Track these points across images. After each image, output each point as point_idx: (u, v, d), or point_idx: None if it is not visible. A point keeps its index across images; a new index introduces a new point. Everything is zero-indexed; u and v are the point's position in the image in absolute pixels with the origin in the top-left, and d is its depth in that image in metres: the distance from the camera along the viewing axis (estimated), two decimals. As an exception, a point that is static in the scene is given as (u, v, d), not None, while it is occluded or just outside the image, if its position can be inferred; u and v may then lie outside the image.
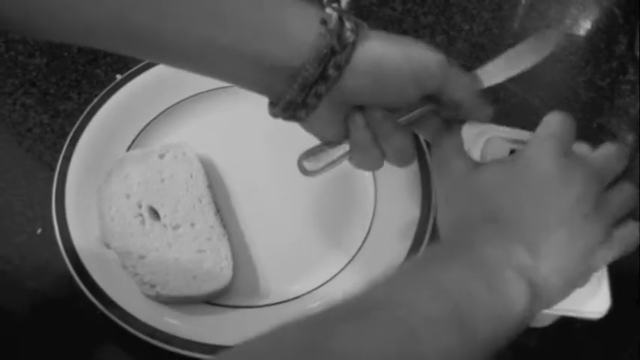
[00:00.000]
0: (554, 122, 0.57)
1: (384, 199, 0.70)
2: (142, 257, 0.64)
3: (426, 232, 0.66)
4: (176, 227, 0.66)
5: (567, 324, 0.64)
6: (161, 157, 0.70)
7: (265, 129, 0.74)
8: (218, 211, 0.68)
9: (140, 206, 0.67)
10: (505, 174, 0.56)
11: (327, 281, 0.66)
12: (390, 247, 0.66)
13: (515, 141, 0.63)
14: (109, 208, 0.67)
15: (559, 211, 0.53)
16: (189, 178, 0.69)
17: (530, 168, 0.55)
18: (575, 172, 0.55)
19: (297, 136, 0.74)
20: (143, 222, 0.66)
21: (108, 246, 0.65)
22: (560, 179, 0.54)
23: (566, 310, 0.58)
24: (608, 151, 0.58)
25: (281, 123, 0.74)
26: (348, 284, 0.65)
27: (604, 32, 0.85)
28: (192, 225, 0.66)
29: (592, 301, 0.59)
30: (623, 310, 0.59)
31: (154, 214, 0.67)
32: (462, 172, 0.58)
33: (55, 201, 0.67)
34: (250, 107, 0.74)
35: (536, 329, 0.63)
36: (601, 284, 0.59)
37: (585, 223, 0.54)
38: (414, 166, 0.70)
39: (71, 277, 0.64)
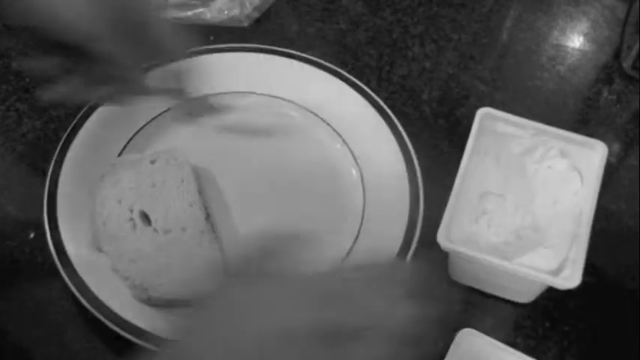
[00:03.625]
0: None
1: (372, 204, 0.71)
2: (133, 261, 0.65)
3: (413, 237, 0.67)
4: (167, 232, 0.67)
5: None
6: (152, 162, 0.70)
7: (256, 135, 0.75)
8: (208, 216, 0.68)
9: (132, 211, 0.67)
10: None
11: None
12: (377, 253, 0.67)
13: None
14: (100, 212, 0.67)
15: None
16: (181, 183, 0.69)
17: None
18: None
19: (288, 143, 0.75)
20: (134, 226, 0.67)
21: (100, 250, 0.66)
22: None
23: (543, 278, 0.61)
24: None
25: (271, 129, 0.76)
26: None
27: (591, 43, 0.87)
28: (184, 230, 0.67)
29: (566, 274, 0.62)
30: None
31: (146, 218, 0.67)
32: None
33: (46, 205, 0.68)
34: (242, 113, 0.76)
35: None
36: (577, 262, 0.61)
37: None
38: (403, 171, 0.71)
39: (63, 281, 0.65)
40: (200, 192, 0.69)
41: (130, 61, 0.58)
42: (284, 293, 0.48)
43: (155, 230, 0.67)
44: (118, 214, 0.67)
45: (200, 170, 0.72)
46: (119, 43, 0.56)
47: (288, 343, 0.45)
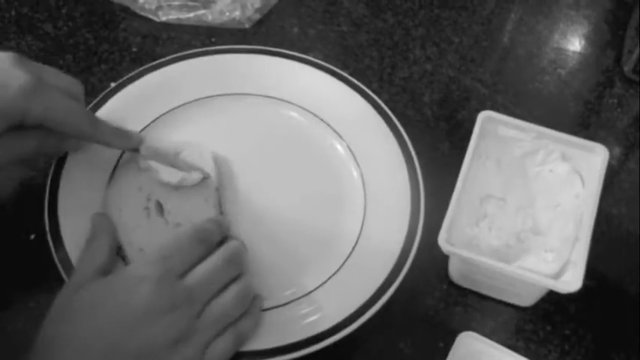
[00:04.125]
0: (168, 244, 0.59)
1: (373, 205, 0.71)
2: (141, 250, 0.65)
3: (414, 240, 0.67)
4: (177, 225, 0.66)
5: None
6: (177, 154, 0.70)
7: (257, 137, 0.75)
8: (221, 213, 0.68)
9: (149, 199, 0.67)
10: (99, 293, 0.57)
11: (317, 287, 0.66)
12: (378, 255, 0.67)
13: None
14: (118, 197, 0.67)
15: (141, 341, 0.54)
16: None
17: (123, 293, 0.56)
18: (162, 302, 0.56)
19: (289, 144, 0.75)
20: (149, 215, 0.67)
21: None
22: (145, 311, 0.55)
23: (544, 282, 0.61)
24: (214, 261, 0.60)
25: (272, 130, 0.76)
26: (337, 291, 0.66)
27: (592, 46, 0.87)
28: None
29: (567, 277, 0.62)
30: None
31: (160, 208, 0.67)
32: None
33: (47, 206, 0.67)
34: (243, 115, 0.76)
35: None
36: (578, 265, 0.61)
37: (173, 352, 0.55)
38: (404, 173, 0.71)
39: (64, 282, 0.64)
40: (217, 189, 0.69)
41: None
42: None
43: (166, 222, 0.66)
44: (135, 202, 0.67)
45: (221, 166, 0.71)
46: None
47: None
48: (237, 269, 0.61)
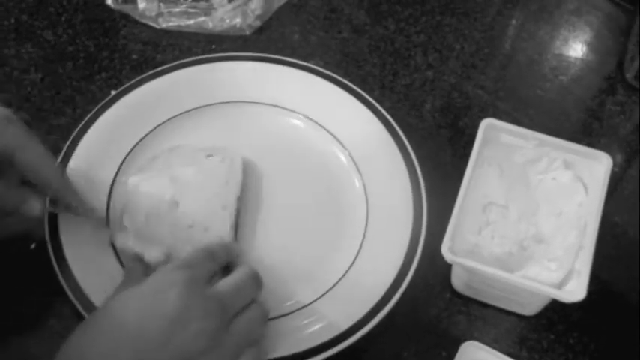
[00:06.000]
0: (187, 255, 0.60)
1: (375, 214, 0.70)
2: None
3: (416, 248, 0.67)
4: (189, 227, 0.66)
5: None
6: (208, 157, 0.70)
7: (258, 146, 0.75)
8: (237, 225, 0.68)
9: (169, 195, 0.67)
10: (128, 301, 0.56)
11: (319, 297, 0.66)
12: (380, 264, 0.67)
13: None
14: (141, 189, 0.68)
15: (172, 348, 0.53)
16: (224, 184, 0.68)
17: (153, 298, 0.55)
18: (194, 307, 0.55)
19: (290, 153, 0.75)
20: (168, 207, 0.67)
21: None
22: (176, 316, 0.54)
23: (548, 291, 0.61)
24: (242, 276, 0.59)
25: (274, 139, 0.75)
26: (339, 300, 0.66)
27: (593, 53, 0.86)
28: (206, 230, 0.66)
29: (571, 286, 0.62)
30: None
31: (176, 205, 0.67)
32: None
33: (47, 215, 0.67)
34: (243, 123, 0.76)
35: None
36: (582, 274, 0.61)
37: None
38: (406, 181, 0.70)
39: (64, 293, 0.64)
40: (239, 199, 0.68)
41: None
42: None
43: (177, 219, 0.66)
44: (163, 192, 0.67)
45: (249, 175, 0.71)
46: None
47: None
48: (259, 289, 0.61)
